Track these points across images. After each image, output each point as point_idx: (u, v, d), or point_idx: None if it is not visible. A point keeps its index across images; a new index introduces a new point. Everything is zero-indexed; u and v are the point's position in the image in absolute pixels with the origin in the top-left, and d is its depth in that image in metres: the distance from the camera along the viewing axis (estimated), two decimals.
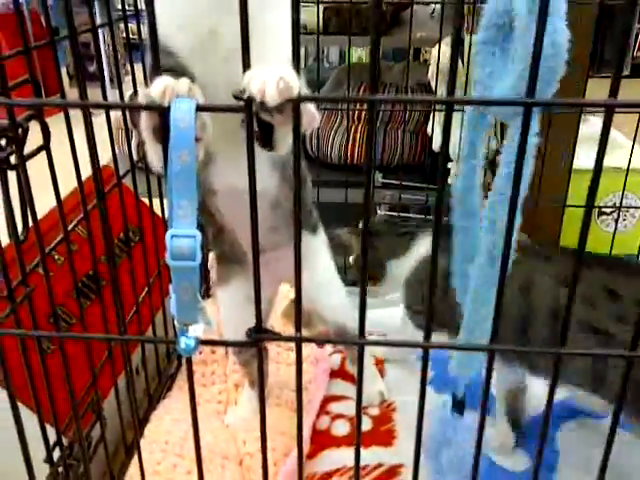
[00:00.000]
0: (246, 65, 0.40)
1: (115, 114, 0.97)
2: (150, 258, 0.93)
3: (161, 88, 0.38)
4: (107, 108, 0.59)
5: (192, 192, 0.40)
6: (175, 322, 0.44)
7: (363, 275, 0.46)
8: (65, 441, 0.69)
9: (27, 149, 0.57)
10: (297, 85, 0.40)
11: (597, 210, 1.46)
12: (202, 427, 0.88)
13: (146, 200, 1.01)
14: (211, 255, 0.95)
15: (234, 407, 0.97)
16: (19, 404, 0.56)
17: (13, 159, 0.53)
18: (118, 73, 0.91)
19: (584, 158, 1.31)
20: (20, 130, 0.53)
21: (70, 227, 0.65)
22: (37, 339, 0.52)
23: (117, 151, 0.82)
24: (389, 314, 1.09)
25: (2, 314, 0.50)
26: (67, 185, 0.72)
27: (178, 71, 0.56)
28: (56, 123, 0.62)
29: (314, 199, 0.94)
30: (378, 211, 1.71)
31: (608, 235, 1.40)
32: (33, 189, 0.58)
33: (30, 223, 0.57)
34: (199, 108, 0.40)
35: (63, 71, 3.06)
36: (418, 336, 0.48)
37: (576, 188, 1.25)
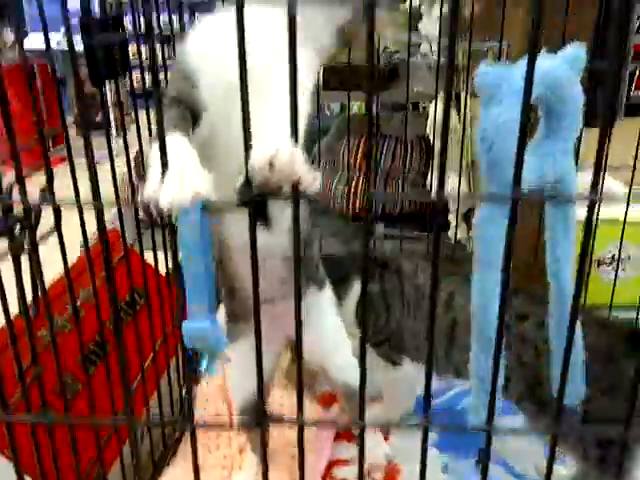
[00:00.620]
0: (247, 147, 0.41)
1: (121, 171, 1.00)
2: (155, 319, 0.95)
3: (169, 200, 0.40)
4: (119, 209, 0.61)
5: (206, 291, 0.42)
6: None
7: (362, 355, 0.48)
8: None
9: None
10: (301, 165, 0.42)
11: (597, 260, 1.47)
12: None
13: (149, 254, 1.02)
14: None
15: (239, 472, 0.97)
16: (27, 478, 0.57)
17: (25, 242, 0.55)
18: (123, 124, 0.93)
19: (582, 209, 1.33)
20: (33, 215, 0.55)
21: (78, 303, 0.67)
22: (48, 426, 0.53)
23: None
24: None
25: (14, 398, 0.51)
26: (74, 251, 0.74)
27: (187, 101, 0.57)
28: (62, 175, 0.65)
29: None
30: None
31: (609, 285, 1.41)
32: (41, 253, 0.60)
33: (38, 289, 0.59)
34: (205, 207, 0.42)
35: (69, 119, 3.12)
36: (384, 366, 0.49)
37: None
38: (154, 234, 0.94)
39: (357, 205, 1.83)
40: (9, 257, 0.52)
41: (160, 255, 0.97)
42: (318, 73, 1.50)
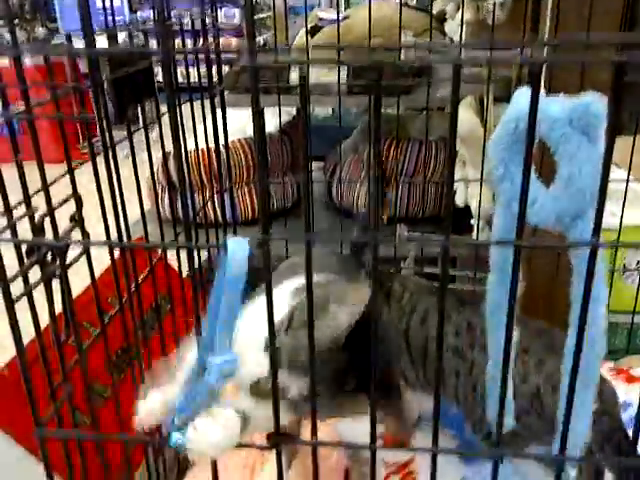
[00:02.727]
0: None
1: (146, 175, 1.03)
2: (179, 325, 0.98)
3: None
4: (149, 249, 0.64)
5: (233, 325, 0.46)
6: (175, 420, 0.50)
7: (373, 376, 0.50)
8: None
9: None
10: None
11: (622, 266, 1.46)
12: None
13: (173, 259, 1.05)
14: None
15: (262, 474, 1.00)
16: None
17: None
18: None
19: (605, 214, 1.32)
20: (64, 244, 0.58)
21: (106, 320, 0.70)
22: (78, 441, 0.56)
23: (147, 206, 0.89)
24: None
25: (45, 415, 0.55)
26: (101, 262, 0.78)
27: None
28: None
29: None
30: (402, 264, 1.74)
31: (634, 291, 1.40)
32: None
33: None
34: None
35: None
36: None
37: None
38: (177, 237, 0.97)
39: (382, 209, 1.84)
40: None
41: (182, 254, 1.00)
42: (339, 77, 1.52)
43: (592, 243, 0.42)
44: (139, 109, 0.82)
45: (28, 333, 0.56)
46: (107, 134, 0.67)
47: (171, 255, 1.04)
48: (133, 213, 0.84)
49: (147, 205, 0.92)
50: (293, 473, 0.99)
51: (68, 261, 0.61)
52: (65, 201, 0.59)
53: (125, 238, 0.78)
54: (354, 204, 1.90)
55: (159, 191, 1.80)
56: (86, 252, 0.65)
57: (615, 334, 1.52)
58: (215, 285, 0.45)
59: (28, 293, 0.52)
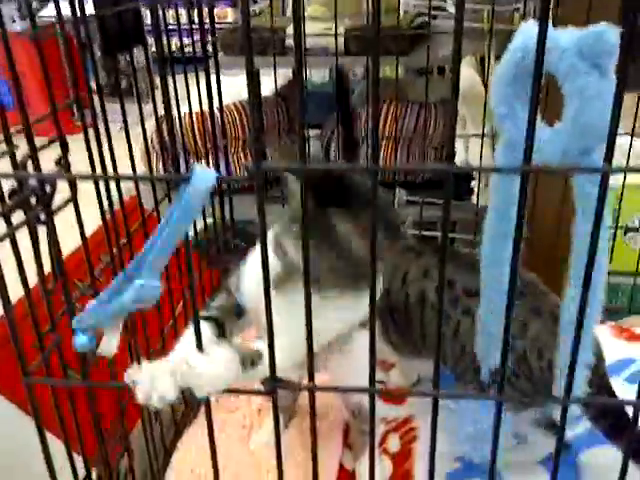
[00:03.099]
0: None
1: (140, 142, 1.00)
2: (173, 285, 0.96)
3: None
4: (136, 181, 0.61)
5: (169, 251, 0.45)
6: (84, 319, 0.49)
7: (372, 320, 0.48)
8: (94, 474, 0.72)
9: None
10: None
11: (624, 227, 1.44)
12: (226, 455, 0.91)
13: None
14: None
15: (259, 431, 0.99)
16: (48, 435, 0.59)
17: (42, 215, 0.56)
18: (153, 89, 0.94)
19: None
20: (49, 187, 0.56)
21: (96, 271, 0.68)
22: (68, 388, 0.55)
23: (141, 170, 0.86)
24: None
25: (33, 363, 0.53)
26: (92, 220, 0.76)
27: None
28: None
29: None
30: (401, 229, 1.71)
31: (636, 252, 1.38)
32: (58, 226, 0.61)
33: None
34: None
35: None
36: None
37: None
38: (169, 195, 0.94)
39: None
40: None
41: None
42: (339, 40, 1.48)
43: (603, 169, 0.40)
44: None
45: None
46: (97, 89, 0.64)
47: None
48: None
49: (140, 170, 0.90)
50: (290, 434, 0.98)
51: (54, 209, 0.59)
52: (51, 142, 0.56)
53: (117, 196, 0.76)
54: None
55: (153, 158, 1.76)
56: (74, 201, 0.63)
57: (617, 295, 1.51)
58: (170, 211, 0.43)
59: (11, 234, 0.50)
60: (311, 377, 0.49)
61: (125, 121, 0.78)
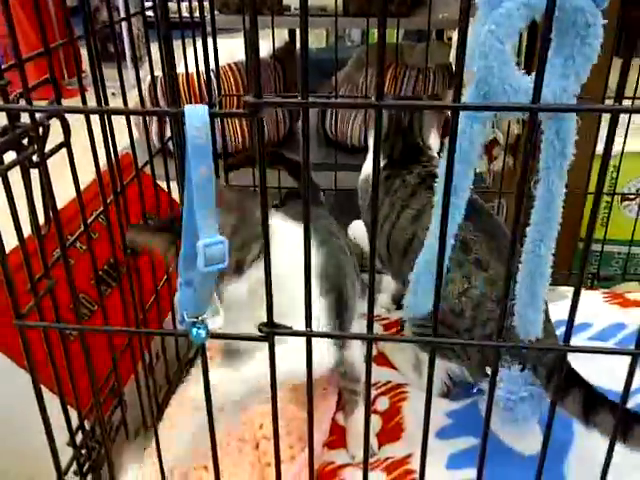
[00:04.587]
0: None
1: (135, 102, 0.98)
2: None
3: None
4: (127, 114, 0.60)
5: (212, 202, 0.42)
6: (185, 316, 0.47)
7: (372, 266, 0.47)
8: (87, 425, 0.72)
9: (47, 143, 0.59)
10: None
11: (620, 196, 1.44)
12: (219, 411, 0.91)
13: (163, 184, 1.02)
14: None
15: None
16: (43, 389, 0.59)
17: (35, 157, 0.55)
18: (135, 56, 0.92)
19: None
20: (41, 129, 0.54)
21: (90, 220, 0.67)
22: (60, 331, 0.54)
23: (136, 135, 0.84)
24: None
25: (26, 307, 0.52)
26: (86, 174, 0.74)
27: None
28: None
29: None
30: None
31: (632, 221, 1.38)
32: (52, 179, 0.60)
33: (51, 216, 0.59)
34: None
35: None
36: None
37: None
38: (167, 162, 0.93)
39: None
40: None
41: (173, 184, 0.97)
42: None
43: (614, 107, 0.39)
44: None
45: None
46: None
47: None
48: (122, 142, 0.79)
49: (136, 134, 0.87)
50: (282, 391, 0.98)
51: (47, 152, 0.57)
52: (42, 82, 0.54)
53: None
54: (348, 136, 1.85)
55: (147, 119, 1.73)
56: (67, 146, 0.61)
57: (611, 262, 1.51)
58: (186, 169, 0.41)
59: (3, 174, 0.48)
60: (308, 323, 0.49)
61: (122, 85, 0.75)
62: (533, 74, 0.54)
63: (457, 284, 0.86)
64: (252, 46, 0.40)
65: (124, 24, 0.89)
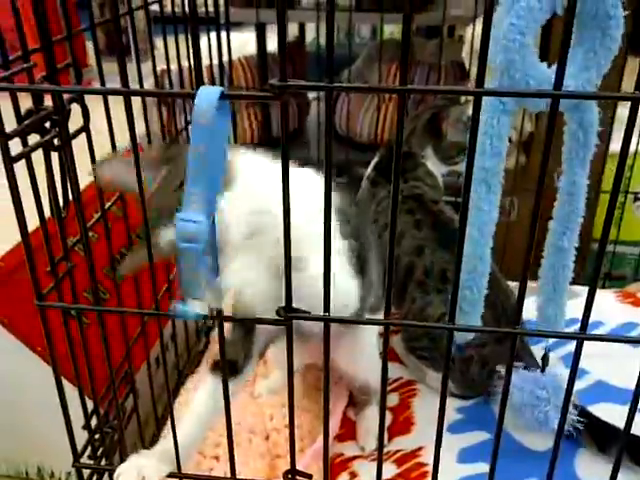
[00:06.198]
0: None
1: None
2: None
3: None
4: (149, 95, 0.60)
5: (204, 181, 0.42)
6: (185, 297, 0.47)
7: (391, 255, 0.47)
8: (101, 410, 0.72)
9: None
10: None
11: (633, 195, 1.43)
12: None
13: None
14: None
15: (264, 380, 0.99)
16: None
17: (56, 140, 0.55)
18: (152, 47, 0.92)
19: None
20: (64, 112, 0.55)
21: (107, 205, 0.67)
22: (77, 313, 0.54)
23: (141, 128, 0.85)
24: None
25: (46, 289, 0.53)
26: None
27: None
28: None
29: None
30: None
31: None
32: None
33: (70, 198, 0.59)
34: None
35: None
36: None
37: (612, 173, 1.22)
38: None
39: (386, 134, 1.80)
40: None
41: None
42: None
43: (636, 96, 0.39)
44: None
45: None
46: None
47: None
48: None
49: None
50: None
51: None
52: (64, 67, 0.54)
53: None
54: (358, 132, 1.85)
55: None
56: (86, 131, 0.61)
57: (623, 264, 1.51)
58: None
59: (27, 154, 0.49)
60: (326, 308, 0.49)
61: (139, 71, 0.76)
62: (554, 66, 0.55)
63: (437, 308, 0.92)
64: (280, 30, 0.40)
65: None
